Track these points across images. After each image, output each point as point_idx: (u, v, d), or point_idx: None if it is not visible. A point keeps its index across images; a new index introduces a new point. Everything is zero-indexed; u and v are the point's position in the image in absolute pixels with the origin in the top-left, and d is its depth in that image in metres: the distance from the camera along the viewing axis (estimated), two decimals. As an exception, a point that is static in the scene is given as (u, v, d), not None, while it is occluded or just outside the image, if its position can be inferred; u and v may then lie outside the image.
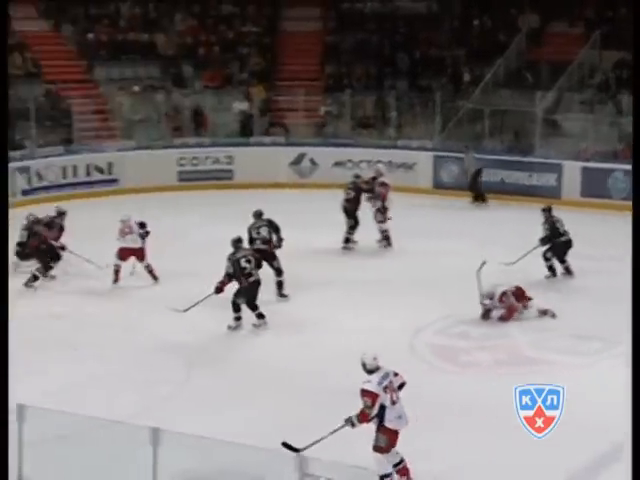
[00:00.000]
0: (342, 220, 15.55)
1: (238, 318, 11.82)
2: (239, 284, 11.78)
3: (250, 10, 24.04)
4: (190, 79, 22.67)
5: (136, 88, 21.80)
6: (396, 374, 7.72)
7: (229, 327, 11.81)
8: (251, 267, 11.74)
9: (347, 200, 15.52)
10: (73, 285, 13.80)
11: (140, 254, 13.69)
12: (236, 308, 11.81)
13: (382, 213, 15.43)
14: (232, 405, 9.45)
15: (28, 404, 6.49)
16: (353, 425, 7.49)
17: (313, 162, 20.86)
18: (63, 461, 7.67)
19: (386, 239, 15.47)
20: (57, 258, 13.90)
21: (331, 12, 24.32)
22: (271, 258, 12.99)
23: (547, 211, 13.93)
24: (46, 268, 13.72)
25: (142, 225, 13.88)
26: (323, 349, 11.07)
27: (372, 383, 7.52)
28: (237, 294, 11.81)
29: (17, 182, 18.75)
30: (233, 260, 11.74)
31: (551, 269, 13.82)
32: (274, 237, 13.10)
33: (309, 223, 16.29)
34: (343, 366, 9.34)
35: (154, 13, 23.59)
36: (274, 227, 13.17)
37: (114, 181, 19.99)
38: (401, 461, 7.69)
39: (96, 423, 7.31)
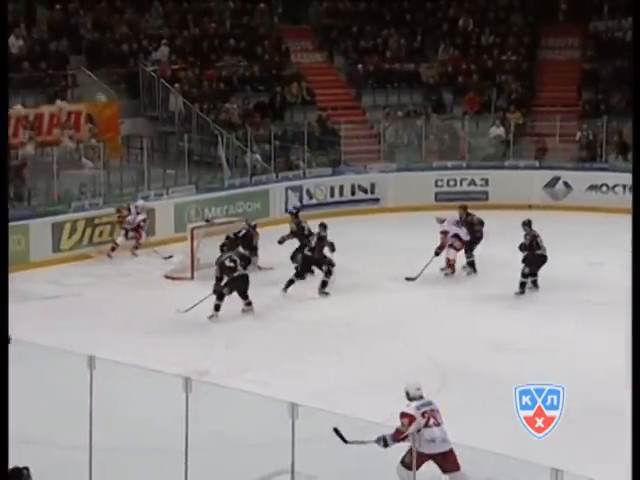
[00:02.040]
0: (591, 242, 15.18)
1: (217, 307, 12.79)
2: (226, 280, 12.82)
3: (510, 40, 23.87)
4: (450, 105, 22.79)
5: (400, 114, 22.18)
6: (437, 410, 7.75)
7: (209, 317, 12.76)
8: (235, 265, 12.82)
9: None
10: (338, 294, 14.26)
11: None
12: (219, 297, 12.80)
13: None
14: (484, 415, 9.38)
15: (301, 403, 6.74)
16: (386, 445, 7.55)
17: (567, 185, 20.37)
18: (329, 457, 7.95)
19: None
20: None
21: (590, 41, 23.75)
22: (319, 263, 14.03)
23: (527, 225, 14.04)
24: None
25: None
26: (571, 367, 10.81)
27: (411, 407, 7.68)
28: (224, 286, 12.82)
29: (289, 200, 19.53)
30: (219, 263, 12.94)
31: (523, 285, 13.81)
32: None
33: (560, 244, 15.98)
34: (591, 385, 9.11)
35: (419, 44, 23.90)
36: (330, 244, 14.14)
37: (376, 200, 20.37)
38: None
39: (359, 424, 7.49)
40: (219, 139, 19.53)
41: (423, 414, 7.64)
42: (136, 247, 16.54)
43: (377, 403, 9.60)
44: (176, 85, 20.92)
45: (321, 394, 9.67)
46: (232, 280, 12.91)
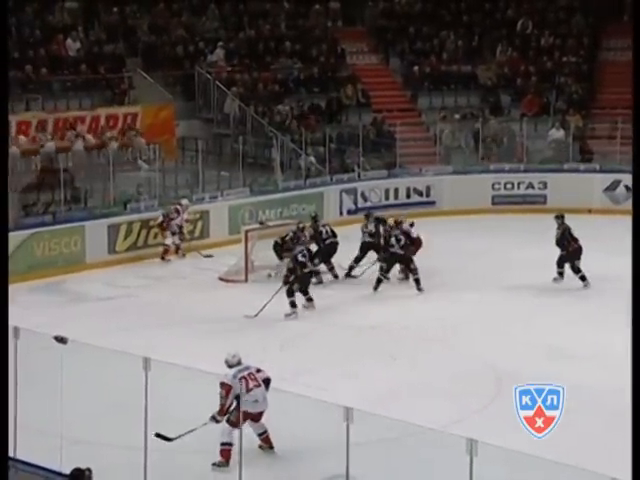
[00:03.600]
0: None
1: (293, 304, 12.92)
2: (295, 274, 12.99)
3: (570, 41, 23.60)
4: (507, 107, 22.59)
5: (456, 116, 22.03)
6: (259, 370, 8.45)
7: (286, 315, 12.80)
8: (305, 260, 13.08)
9: None
10: (388, 298, 14.22)
11: None
12: (290, 294, 12.94)
13: None
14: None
15: (355, 407, 6.70)
16: (217, 421, 8.18)
17: (628, 189, 20.03)
18: (384, 462, 7.90)
19: None
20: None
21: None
22: (407, 261, 14.33)
23: (560, 218, 14.39)
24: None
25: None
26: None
27: (228, 376, 8.26)
28: (292, 282, 12.98)
29: (344, 202, 19.50)
30: (292, 256, 13.19)
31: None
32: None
33: (619, 249, 15.77)
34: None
35: (476, 46, 23.73)
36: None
37: (432, 203, 20.25)
38: (265, 432, 8.43)
39: (414, 429, 7.42)
40: (274, 141, 19.59)
41: (240, 380, 8.25)
42: (178, 247, 16.59)
43: (433, 408, 9.56)
44: (233, 88, 20.99)
45: (376, 398, 9.63)
46: (302, 276, 13.13)
